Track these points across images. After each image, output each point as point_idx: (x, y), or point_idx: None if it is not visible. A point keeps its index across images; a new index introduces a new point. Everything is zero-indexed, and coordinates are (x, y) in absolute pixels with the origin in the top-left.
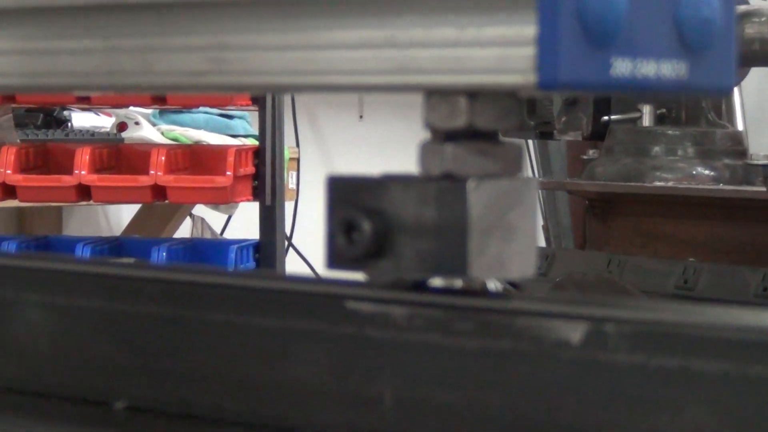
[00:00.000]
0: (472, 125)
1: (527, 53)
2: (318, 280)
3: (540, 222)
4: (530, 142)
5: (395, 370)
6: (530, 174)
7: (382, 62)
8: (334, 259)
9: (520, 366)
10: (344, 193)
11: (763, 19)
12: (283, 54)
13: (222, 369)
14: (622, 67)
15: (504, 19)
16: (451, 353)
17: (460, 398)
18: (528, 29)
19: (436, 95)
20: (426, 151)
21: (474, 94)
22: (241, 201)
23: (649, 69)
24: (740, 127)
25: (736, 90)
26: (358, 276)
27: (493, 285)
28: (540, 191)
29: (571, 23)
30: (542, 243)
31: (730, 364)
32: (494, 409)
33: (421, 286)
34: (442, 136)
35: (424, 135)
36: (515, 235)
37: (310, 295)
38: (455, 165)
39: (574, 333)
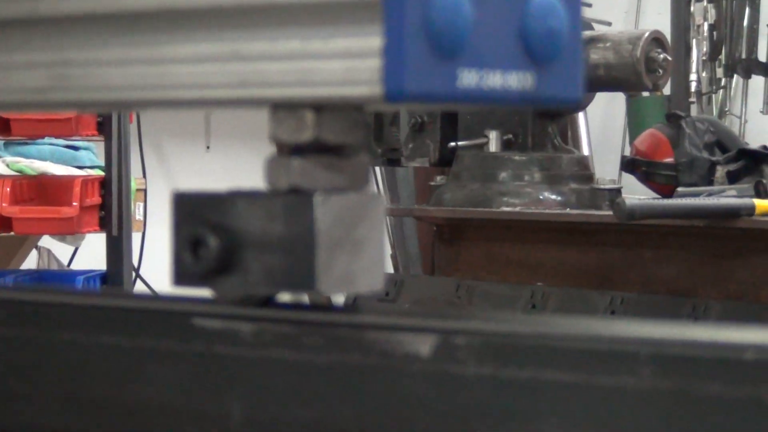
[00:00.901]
0: (319, 139)
1: (373, 65)
2: (165, 297)
3: (386, 249)
4: (378, 169)
5: (244, 387)
6: None
7: (227, 76)
8: (181, 276)
9: (370, 380)
10: (190, 209)
11: (607, 44)
12: (126, 69)
13: (68, 389)
14: (468, 79)
15: (349, 31)
16: (300, 369)
17: (310, 414)
18: (373, 41)
19: (282, 109)
20: (272, 166)
21: (320, 107)
22: (88, 232)
23: (496, 80)
24: (586, 152)
25: (581, 115)
26: (205, 293)
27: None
28: (388, 218)
29: (417, 35)
30: (390, 269)
31: (580, 375)
32: (345, 424)
33: (269, 302)
34: (289, 150)
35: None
36: (363, 249)
37: (157, 313)
38: (302, 179)
39: (424, 346)
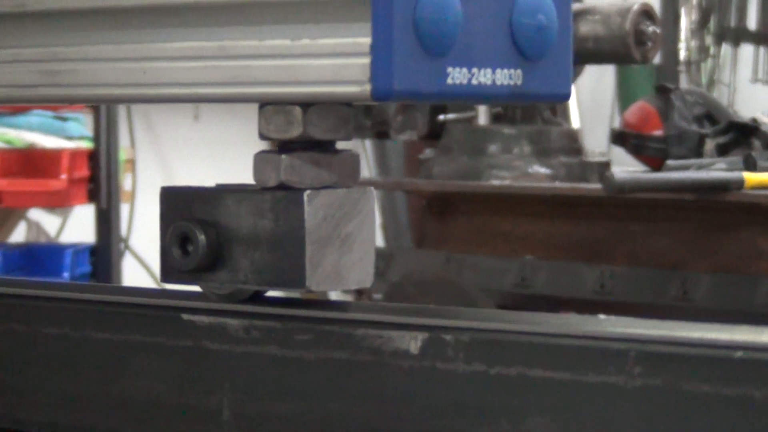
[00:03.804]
0: (307, 136)
1: (362, 63)
2: (154, 292)
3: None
4: (367, 142)
5: (233, 383)
6: (367, 174)
7: (215, 73)
8: (170, 271)
9: (359, 376)
10: (178, 205)
11: (596, 17)
12: (114, 65)
13: (57, 384)
14: (458, 76)
15: (338, 30)
16: (290, 364)
17: (299, 410)
18: (362, 40)
19: (270, 106)
20: (261, 162)
21: (308, 104)
22: (76, 204)
23: (485, 77)
24: (576, 124)
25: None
26: (194, 288)
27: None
28: (378, 190)
29: (406, 34)
30: (381, 242)
31: (569, 373)
32: (334, 420)
33: (258, 298)
34: (277, 146)
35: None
36: (353, 245)
37: (146, 308)
38: (291, 176)
39: (414, 342)
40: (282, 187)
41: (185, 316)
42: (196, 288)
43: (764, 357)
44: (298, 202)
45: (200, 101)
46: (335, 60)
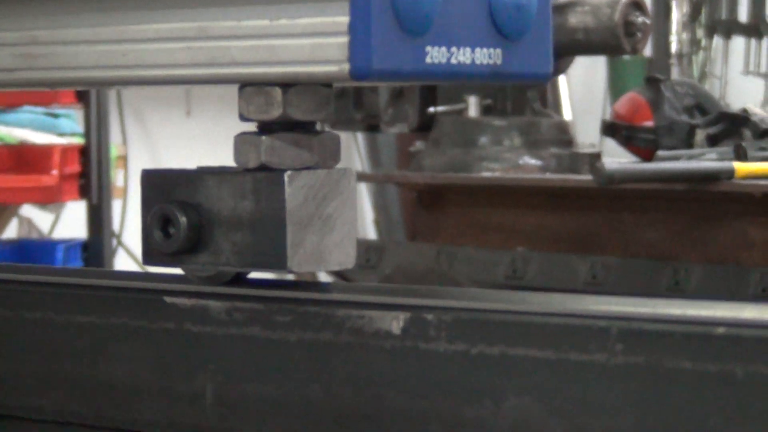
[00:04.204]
0: (287, 117)
1: (340, 43)
2: (136, 275)
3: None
4: (359, 135)
5: (216, 365)
6: (359, 167)
7: (194, 54)
8: (151, 254)
9: (341, 357)
10: (160, 188)
11: (586, 8)
12: (93, 48)
13: (39, 367)
14: (437, 56)
15: (317, 10)
16: (271, 346)
17: (281, 391)
18: (341, 19)
19: (250, 87)
20: (241, 144)
21: (288, 85)
22: (68, 200)
23: (465, 57)
24: (567, 116)
25: (563, 79)
26: (176, 271)
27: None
28: (370, 184)
29: (385, 12)
30: (374, 236)
31: (551, 351)
32: (317, 402)
33: (240, 280)
34: (258, 128)
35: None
36: (334, 226)
37: (128, 291)
38: (271, 157)
39: (395, 322)
40: (263, 168)
41: (167, 299)
42: (178, 271)
43: (746, 333)
44: (278, 183)
45: (180, 83)
46: (314, 39)
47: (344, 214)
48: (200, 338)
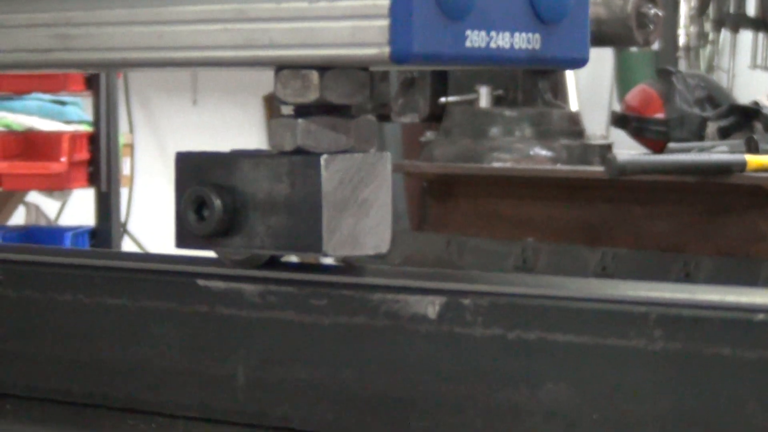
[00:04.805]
0: (324, 100)
1: (380, 26)
2: (168, 258)
3: None
4: None
5: (249, 349)
6: None
7: (232, 36)
8: (185, 237)
9: (376, 341)
10: (194, 171)
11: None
12: (130, 29)
13: (71, 350)
14: (476, 40)
15: None
16: (306, 330)
17: (315, 375)
18: (381, 2)
19: (286, 70)
20: (277, 127)
21: (325, 68)
22: (76, 187)
23: (504, 41)
24: (574, 108)
25: (569, 71)
26: (209, 254)
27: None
28: None
29: None
30: None
31: (589, 336)
32: (350, 386)
33: (274, 263)
34: (294, 111)
35: (256, 119)
36: (369, 210)
37: (161, 274)
38: (307, 140)
39: (431, 307)
40: (298, 151)
41: (200, 282)
42: (211, 254)
43: None
44: (314, 167)
45: (216, 65)
46: (353, 22)
47: (380, 198)
48: (233, 321)
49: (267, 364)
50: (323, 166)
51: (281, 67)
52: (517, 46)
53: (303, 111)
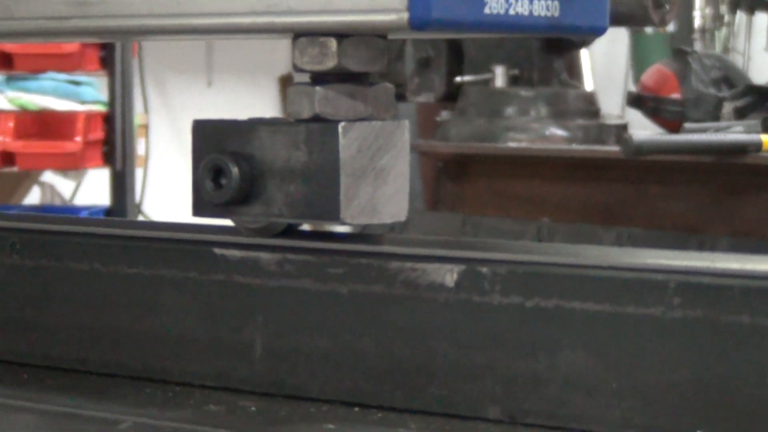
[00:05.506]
0: (342, 67)
1: None
2: (185, 226)
3: None
4: None
5: (266, 317)
6: None
7: (250, 3)
8: (202, 205)
9: (394, 310)
10: (211, 138)
11: None
12: None
13: (87, 319)
14: (495, 6)
15: None
16: (323, 298)
17: (332, 344)
18: None
19: (304, 37)
20: (295, 94)
21: (343, 35)
22: (91, 166)
23: (523, 7)
24: (589, 88)
25: (584, 52)
26: (226, 222)
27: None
28: None
29: None
30: None
31: (607, 304)
32: (368, 355)
33: (291, 231)
34: (311, 79)
35: (271, 100)
36: (387, 178)
37: (177, 243)
38: (325, 108)
39: (449, 275)
40: (316, 119)
41: (217, 251)
42: (228, 222)
43: None
44: (332, 134)
45: (234, 32)
46: None
47: (398, 166)
48: (250, 290)
49: (284, 332)
50: (341, 133)
51: (299, 34)
52: (536, 13)
53: (320, 78)
